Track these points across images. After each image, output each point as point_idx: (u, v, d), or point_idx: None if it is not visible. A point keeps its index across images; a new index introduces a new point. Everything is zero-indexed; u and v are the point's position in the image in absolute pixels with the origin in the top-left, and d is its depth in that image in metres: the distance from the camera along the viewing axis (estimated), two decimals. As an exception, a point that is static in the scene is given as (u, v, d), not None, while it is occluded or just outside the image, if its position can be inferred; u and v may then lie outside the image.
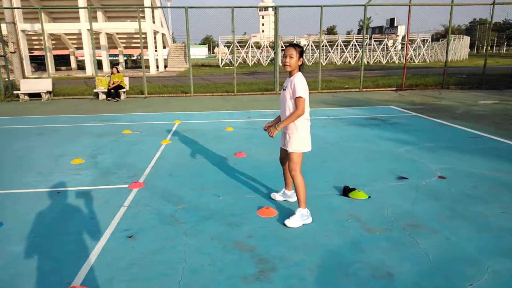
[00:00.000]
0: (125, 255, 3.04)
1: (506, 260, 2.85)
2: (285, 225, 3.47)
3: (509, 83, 15.03)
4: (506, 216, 3.60)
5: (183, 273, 2.77)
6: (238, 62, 41.81)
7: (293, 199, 3.99)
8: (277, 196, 4.10)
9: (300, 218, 3.49)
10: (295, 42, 42.47)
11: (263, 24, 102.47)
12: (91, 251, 3.10)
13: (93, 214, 3.82)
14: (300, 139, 3.46)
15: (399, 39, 44.35)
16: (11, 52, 13.94)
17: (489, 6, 13.97)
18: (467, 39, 50.51)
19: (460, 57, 45.76)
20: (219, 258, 2.96)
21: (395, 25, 45.74)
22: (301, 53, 3.37)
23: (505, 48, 72.62)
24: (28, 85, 13.62)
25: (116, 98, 13.16)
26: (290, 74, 3.44)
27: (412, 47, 42.14)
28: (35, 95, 13.64)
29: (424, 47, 42.80)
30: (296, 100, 3.32)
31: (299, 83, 3.31)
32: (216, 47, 54.39)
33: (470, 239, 3.18)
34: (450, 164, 5.19)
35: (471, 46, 64.72)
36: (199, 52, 71.97)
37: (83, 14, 28.21)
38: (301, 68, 3.44)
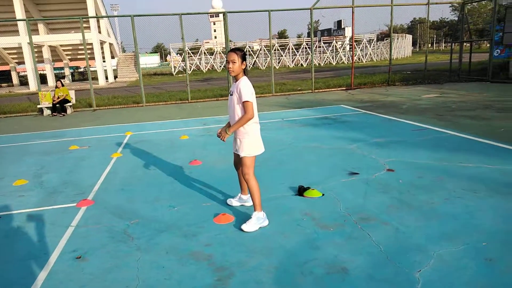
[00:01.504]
0: (75, 277, 2.88)
1: (449, 244, 3.01)
2: (242, 230, 3.45)
3: (448, 77, 16.05)
4: (449, 202, 3.81)
5: (137, 290, 2.67)
6: (192, 69, 41.44)
7: (250, 203, 3.98)
8: (234, 202, 4.08)
9: (256, 222, 3.49)
10: (247, 47, 42.84)
11: (215, 30, 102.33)
12: (37, 277, 2.91)
13: (39, 237, 3.60)
14: (251, 143, 3.47)
15: (347, 40, 46.02)
16: None
17: (425, 6, 14.87)
18: (409, 38, 53.44)
19: (404, 55, 48.28)
20: (175, 271, 2.89)
21: (342, 27, 47.39)
22: (243, 56, 3.39)
23: (443, 45, 77.55)
24: (-37, 105, 12.64)
25: (62, 113, 12.54)
26: (236, 78, 3.44)
27: (359, 47, 43.85)
28: (-28, 115, 12.69)
29: (370, 46, 44.70)
30: (244, 104, 3.33)
31: (244, 88, 3.32)
32: (169, 55, 53.55)
33: (417, 227, 3.33)
34: (397, 157, 5.43)
35: (414, 44, 68.52)
36: (151, 61, 70.55)
37: (22, 27, 26.70)
38: (245, 71, 3.45)
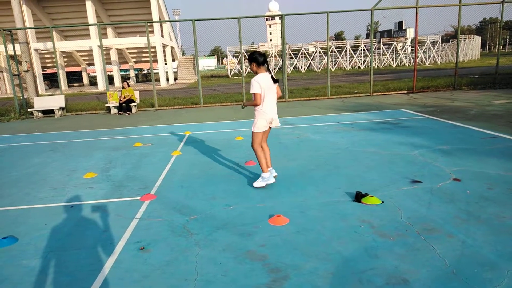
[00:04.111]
0: (138, 267, 3.05)
1: (527, 263, 2.76)
2: (253, 186, 4.59)
3: (523, 82, 14.75)
4: (524, 217, 3.49)
5: (195, 284, 2.76)
6: (247, 71, 42.05)
7: (274, 173, 4.94)
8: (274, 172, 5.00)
9: (261, 180, 4.67)
10: (303, 49, 42.60)
11: (270, 33, 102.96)
12: (104, 264, 3.11)
13: (106, 227, 3.85)
14: (256, 122, 4.60)
15: (409, 42, 44.06)
16: (24, 71, 14.29)
17: (499, 5, 13.81)
18: (478, 39, 49.95)
19: (471, 57, 45.23)
20: (231, 268, 2.95)
21: (403, 28, 45.44)
22: (250, 59, 4.49)
23: (517, 46, 71.48)
24: (42, 102, 13.92)
25: (128, 112, 13.34)
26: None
27: (422, 49, 41.79)
28: (49, 112, 13.92)
29: (434, 48, 42.43)
30: (253, 95, 4.48)
31: (252, 83, 4.44)
32: (225, 58, 54.86)
33: (487, 242, 3.10)
34: (464, 166, 5.09)
35: (483, 45, 63.93)
36: (208, 64, 72.77)
37: (93, 31, 28.83)
38: (266, 68, 4.52)
